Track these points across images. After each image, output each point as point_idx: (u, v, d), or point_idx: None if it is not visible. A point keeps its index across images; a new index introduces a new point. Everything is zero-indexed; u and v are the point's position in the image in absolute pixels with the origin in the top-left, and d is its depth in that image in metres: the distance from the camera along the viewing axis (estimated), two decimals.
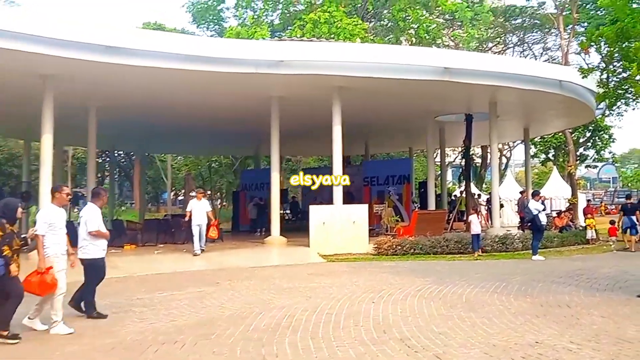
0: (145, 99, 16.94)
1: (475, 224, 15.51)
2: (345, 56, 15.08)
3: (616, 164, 70.80)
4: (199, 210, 15.47)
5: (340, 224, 15.98)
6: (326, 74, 14.87)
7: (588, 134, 36.97)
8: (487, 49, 38.55)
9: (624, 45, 9.84)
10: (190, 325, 7.47)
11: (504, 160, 48.56)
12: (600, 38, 10.43)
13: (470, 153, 22.66)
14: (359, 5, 31.06)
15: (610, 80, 10.51)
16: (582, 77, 13.93)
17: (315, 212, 16.24)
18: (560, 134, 31.32)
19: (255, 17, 31.01)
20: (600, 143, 38.15)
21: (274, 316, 7.89)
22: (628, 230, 17.68)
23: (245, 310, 8.33)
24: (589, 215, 20.38)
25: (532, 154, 40.03)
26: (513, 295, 9.20)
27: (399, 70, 15.16)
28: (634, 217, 17.69)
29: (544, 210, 14.84)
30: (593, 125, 35.18)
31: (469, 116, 20.43)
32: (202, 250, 15.40)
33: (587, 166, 41.59)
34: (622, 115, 34.25)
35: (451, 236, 16.50)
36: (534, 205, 14.70)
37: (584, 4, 31.47)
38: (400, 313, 7.99)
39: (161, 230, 19.30)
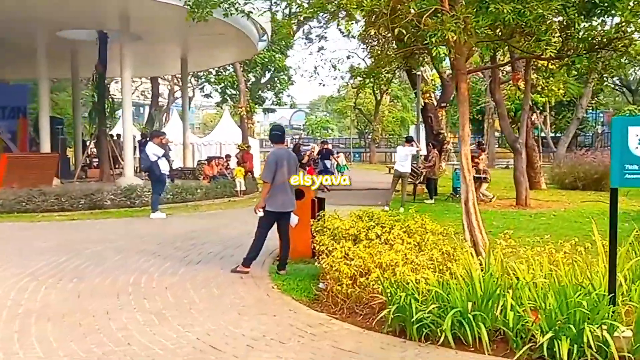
0: None
1: None
2: None
3: (306, 111, 76.07)
4: None
5: None
6: None
7: (269, 75, 37.32)
8: None
9: None
10: None
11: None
12: None
13: (106, 81, 19.59)
14: None
15: None
16: None
17: None
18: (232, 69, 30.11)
19: None
20: (279, 85, 39.08)
21: None
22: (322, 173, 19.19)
23: None
24: (243, 164, 19.34)
25: (206, 92, 39.34)
26: (56, 279, 7.14)
27: None
28: (327, 162, 20.70)
29: (164, 155, 12.73)
30: (273, 65, 35.42)
31: (102, 34, 17.35)
32: None
33: (264, 110, 42.43)
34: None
35: (51, 189, 13.49)
36: (152, 150, 12.45)
37: None
38: None
39: None
